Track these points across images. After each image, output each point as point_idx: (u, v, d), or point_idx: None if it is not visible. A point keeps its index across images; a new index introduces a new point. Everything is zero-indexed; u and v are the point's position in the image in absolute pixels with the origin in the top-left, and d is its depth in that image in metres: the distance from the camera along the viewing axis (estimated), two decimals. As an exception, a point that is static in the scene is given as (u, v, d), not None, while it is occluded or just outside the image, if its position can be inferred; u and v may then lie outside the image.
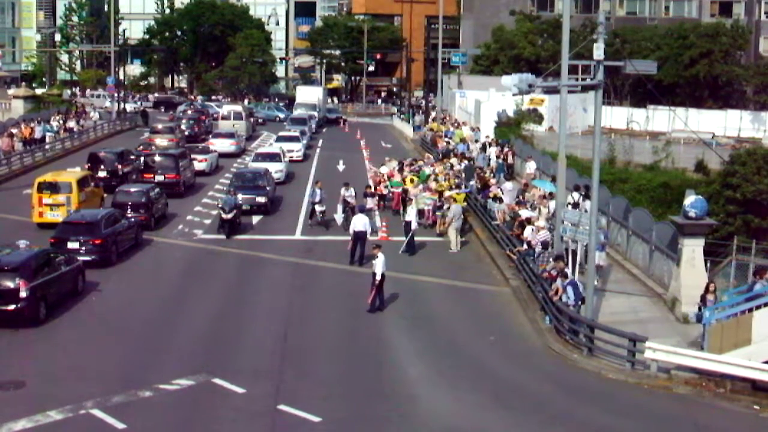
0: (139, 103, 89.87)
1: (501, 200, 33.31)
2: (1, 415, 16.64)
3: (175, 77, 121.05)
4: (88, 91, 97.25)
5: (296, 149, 53.58)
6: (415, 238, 30.82)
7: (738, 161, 37.71)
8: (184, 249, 31.12)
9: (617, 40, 69.73)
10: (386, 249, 26.20)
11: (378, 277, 24.00)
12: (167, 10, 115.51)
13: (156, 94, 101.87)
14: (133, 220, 31.05)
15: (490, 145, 48.09)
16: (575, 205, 30.11)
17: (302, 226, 35.02)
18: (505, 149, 45.43)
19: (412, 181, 37.06)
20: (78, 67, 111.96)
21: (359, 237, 28.78)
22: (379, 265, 24.01)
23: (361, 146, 62.34)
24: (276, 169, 42.93)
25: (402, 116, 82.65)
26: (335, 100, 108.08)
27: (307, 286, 26.86)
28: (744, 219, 35.90)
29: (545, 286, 23.91)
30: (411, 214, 31.09)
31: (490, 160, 43.54)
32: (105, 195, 36.12)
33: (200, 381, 18.70)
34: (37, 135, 54.67)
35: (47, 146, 52.72)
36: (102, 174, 39.46)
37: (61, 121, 61.80)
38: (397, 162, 41.58)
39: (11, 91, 76.93)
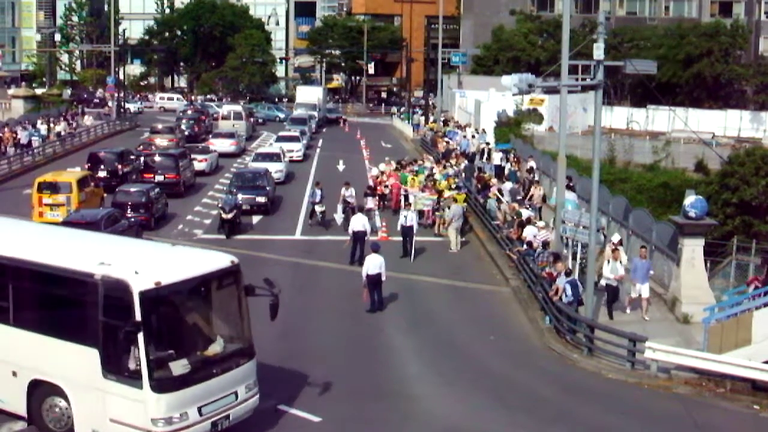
0: (141, 102, 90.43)
1: (502, 200, 33.33)
2: (1, 415, 16.62)
3: (175, 77, 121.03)
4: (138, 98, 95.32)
5: (296, 149, 53.61)
6: (415, 239, 30.71)
7: (736, 162, 37.65)
8: (184, 249, 31.07)
9: (617, 40, 69.76)
10: (386, 249, 26.20)
11: (363, 277, 23.98)
12: (167, 10, 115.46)
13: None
14: (133, 220, 31.06)
15: (490, 152, 47.56)
16: None
17: (302, 226, 35.04)
18: (510, 156, 44.75)
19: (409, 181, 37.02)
20: (78, 67, 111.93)
21: (358, 237, 28.79)
22: (367, 265, 23.98)
23: (361, 146, 62.35)
24: (276, 169, 42.96)
25: (402, 116, 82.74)
26: (326, 97, 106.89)
27: (307, 286, 26.86)
28: (743, 219, 35.86)
29: (545, 286, 23.92)
30: (412, 219, 30.28)
31: (503, 169, 42.32)
32: (105, 195, 36.15)
33: (200, 381, 18.66)
34: (23, 140, 52.34)
35: (32, 152, 49.94)
36: (102, 174, 39.49)
37: (52, 124, 59.08)
38: (395, 163, 41.58)
39: (11, 91, 76.95)
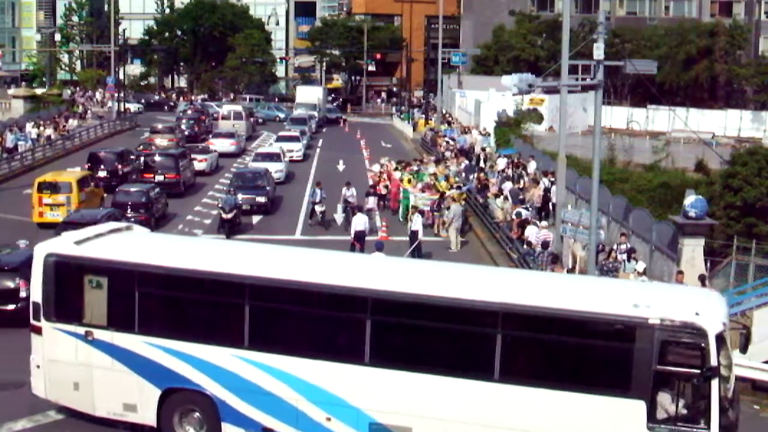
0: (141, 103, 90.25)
1: (505, 200, 33.32)
2: (1, 415, 16.63)
3: (175, 77, 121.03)
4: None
5: (296, 149, 53.61)
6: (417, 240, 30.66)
7: (739, 162, 37.54)
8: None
9: (617, 40, 69.77)
10: (386, 249, 26.12)
11: None
12: (167, 10, 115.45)
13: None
14: (133, 220, 31.04)
15: (487, 156, 47.34)
16: (547, 191, 29.85)
17: (302, 226, 35.04)
18: (514, 160, 44.45)
19: (410, 181, 37.00)
20: (78, 67, 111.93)
21: (359, 237, 28.78)
22: None
23: (361, 146, 62.35)
24: (276, 169, 42.97)
25: (401, 116, 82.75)
26: (326, 97, 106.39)
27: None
28: (746, 222, 35.71)
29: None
30: (417, 223, 30.09)
31: (506, 173, 42.00)
32: (105, 195, 36.16)
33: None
34: (9, 144, 50.77)
35: (18, 156, 48.19)
36: (102, 174, 39.49)
37: (42, 128, 57.10)
38: (395, 162, 41.57)
39: (11, 91, 76.94)
